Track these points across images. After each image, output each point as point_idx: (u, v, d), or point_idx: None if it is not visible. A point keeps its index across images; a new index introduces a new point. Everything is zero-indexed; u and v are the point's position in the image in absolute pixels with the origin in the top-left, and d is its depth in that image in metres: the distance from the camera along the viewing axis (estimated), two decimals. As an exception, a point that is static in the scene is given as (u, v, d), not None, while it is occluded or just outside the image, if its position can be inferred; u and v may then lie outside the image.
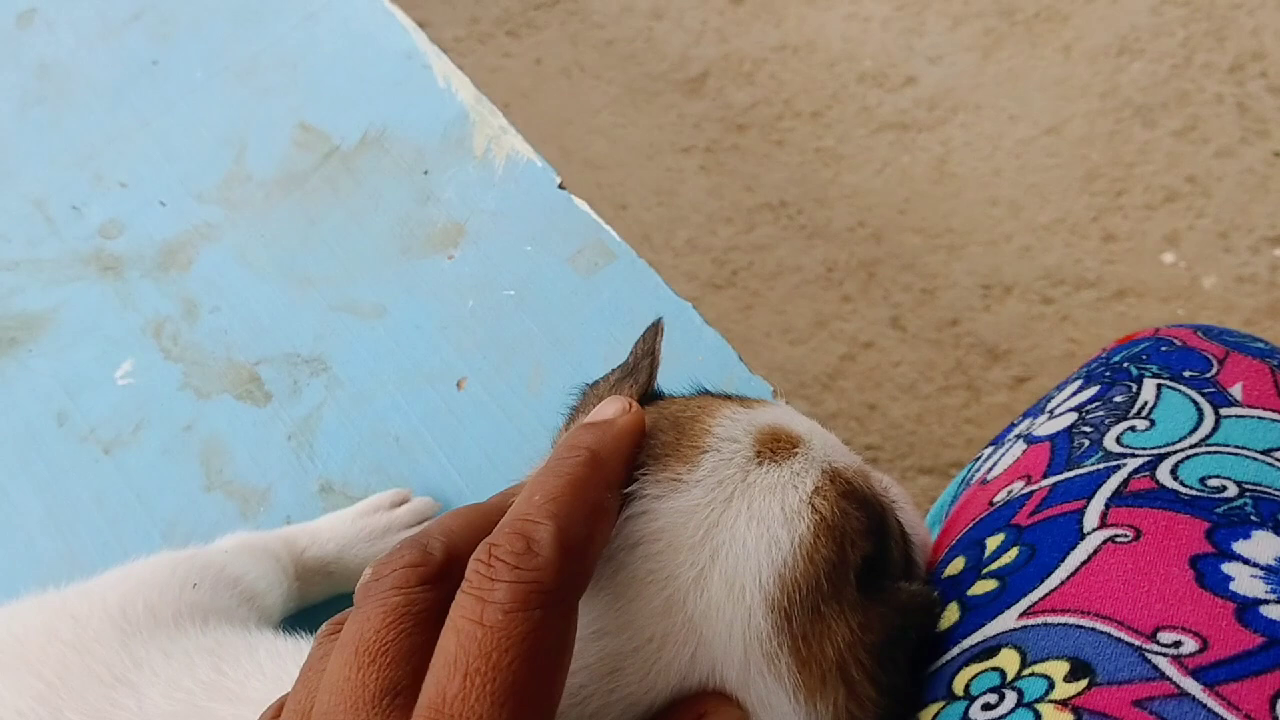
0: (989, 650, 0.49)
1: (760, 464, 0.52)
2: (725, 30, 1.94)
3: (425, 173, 0.97)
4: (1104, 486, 0.52)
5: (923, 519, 0.66)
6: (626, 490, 0.50)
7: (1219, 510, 0.49)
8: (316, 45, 1.06)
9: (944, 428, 1.55)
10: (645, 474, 0.51)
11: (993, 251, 1.67)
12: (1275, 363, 0.56)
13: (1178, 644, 0.44)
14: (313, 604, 0.80)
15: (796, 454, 0.53)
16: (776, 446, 0.53)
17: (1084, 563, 0.49)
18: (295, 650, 0.63)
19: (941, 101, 1.80)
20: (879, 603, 0.51)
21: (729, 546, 0.49)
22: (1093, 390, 0.60)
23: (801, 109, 1.84)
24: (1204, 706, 0.42)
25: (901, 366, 1.60)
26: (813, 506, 0.51)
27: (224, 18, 1.09)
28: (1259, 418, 0.54)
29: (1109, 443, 0.55)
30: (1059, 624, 0.48)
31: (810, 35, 1.90)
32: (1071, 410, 0.60)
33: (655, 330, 0.65)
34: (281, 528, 0.81)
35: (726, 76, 1.90)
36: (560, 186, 0.95)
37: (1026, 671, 0.47)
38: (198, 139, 1.02)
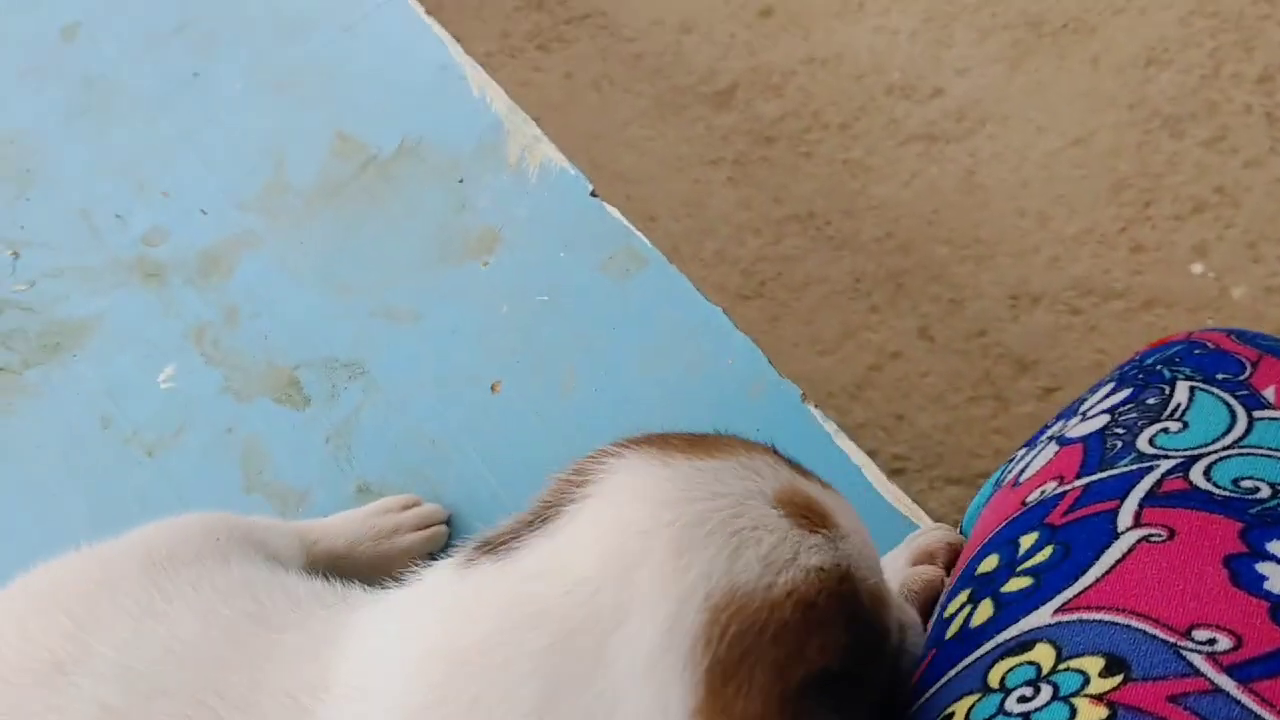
0: (1024, 645, 0.50)
1: (784, 515, 0.52)
2: (753, 43, 1.95)
3: (460, 181, 0.99)
4: (1137, 487, 0.53)
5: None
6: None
7: (1252, 511, 0.49)
8: (354, 57, 1.08)
9: (972, 438, 1.55)
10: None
11: (1021, 262, 1.67)
12: (1308, 365, 0.57)
13: (1212, 641, 0.45)
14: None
15: (820, 532, 0.52)
16: (808, 513, 0.53)
17: (1118, 561, 0.50)
18: (327, 589, 0.66)
19: (969, 113, 1.80)
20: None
21: (705, 550, 0.50)
22: (1125, 392, 0.61)
23: (829, 121, 1.85)
24: (1239, 703, 0.42)
25: (929, 377, 1.60)
26: (792, 588, 0.50)
27: (264, 30, 1.11)
28: (1292, 420, 0.54)
29: (1142, 444, 0.56)
30: (1094, 620, 0.48)
31: (838, 48, 1.90)
32: (1104, 412, 0.60)
33: None
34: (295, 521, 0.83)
35: (755, 89, 1.90)
36: (592, 194, 0.97)
37: (1062, 666, 0.48)
38: (238, 149, 1.04)
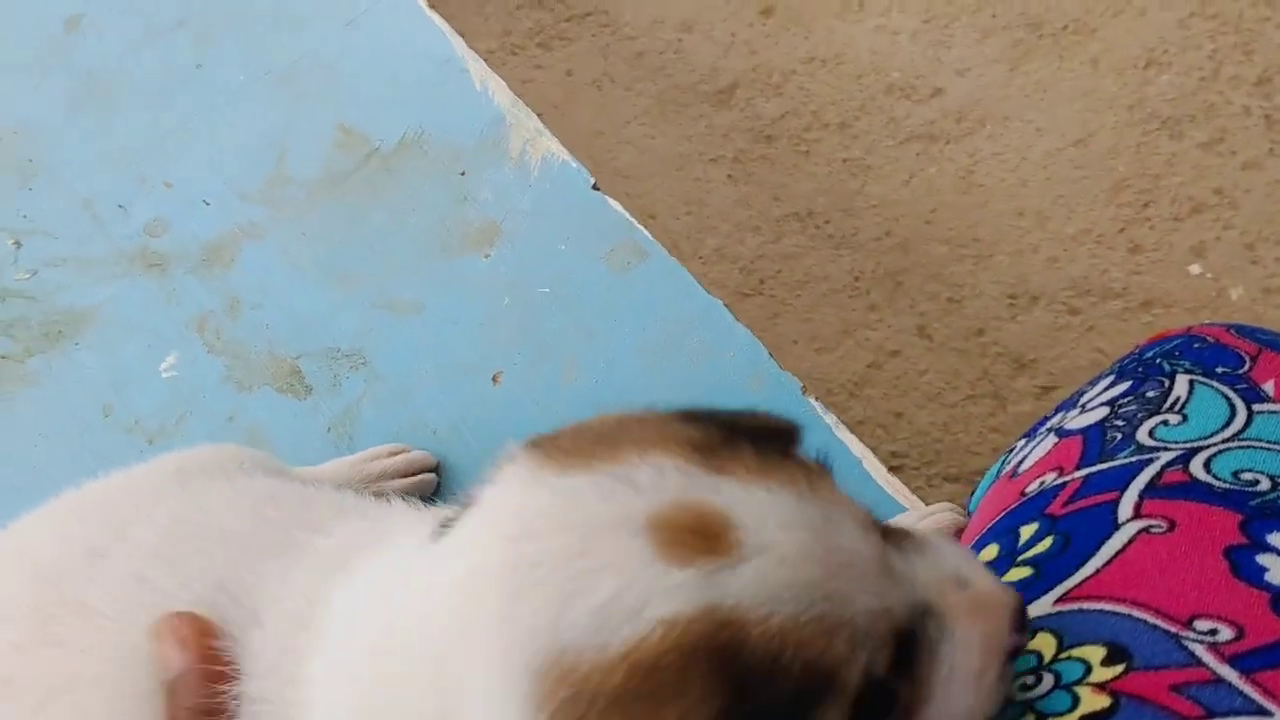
0: (1025, 634, 0.50)
1: (649, 545, 0.43)
2: (754, 42, 1.95)
3: (462, 174, 0.99)
4: (1138, 479, 0.53)
5: None
6: None
7: (1252, 503, 0.50)
8: (356, 50, 1.08)
9: (970, 436, 1.55)
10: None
11: (1019, 262, 1.68)
12: (1308, 359, 0.57)
13: (1214, 632, 0.45)
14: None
15: (694, 565, 0.43)
16: (691, 537, 0.43)
17: (1119, 552, 0.50)
18: (371, 503, 0.67)
19: (969, 113, 1.80)
20: None
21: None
22: (1125, 385, 0.61)
23: (829, 120, 1.85)
24: (1240, 693, 0.42)
25: (928, 375, 1.60)
26: (629, 648, 0.42)
27: (266, 24, 1.11)
28: (1291, 413, 0.54)
29: (1142, 436, 0.56)
30: (1095, 610, 0.49)
31: (839, 47, 1.90)
32: (1104, 405, 0.61)
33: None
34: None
35: (755, 88, 1.91)
36: (594, 187, 0.97)
37: (1064, 655, 0.48)
38: (241, 141, 1.04)
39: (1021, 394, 1.56)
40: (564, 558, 0.43)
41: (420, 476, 0.86)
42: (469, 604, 0.45)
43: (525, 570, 0.43)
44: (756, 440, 0.49)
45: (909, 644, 0.47)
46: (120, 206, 1.02)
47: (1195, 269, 1.61)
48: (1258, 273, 1.58)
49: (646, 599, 0.42)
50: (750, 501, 0.45)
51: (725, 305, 0.90)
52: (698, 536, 0.43)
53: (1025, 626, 0.48)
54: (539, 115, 1.03)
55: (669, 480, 0.45)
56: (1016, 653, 0.48)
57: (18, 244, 1.01)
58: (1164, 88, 1.75)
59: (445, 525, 0.51)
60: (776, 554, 0.43)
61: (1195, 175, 1.67)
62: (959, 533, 0.71)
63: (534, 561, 0.43)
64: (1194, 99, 1.74)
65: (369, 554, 0.58)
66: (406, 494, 0.83)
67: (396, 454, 0.87)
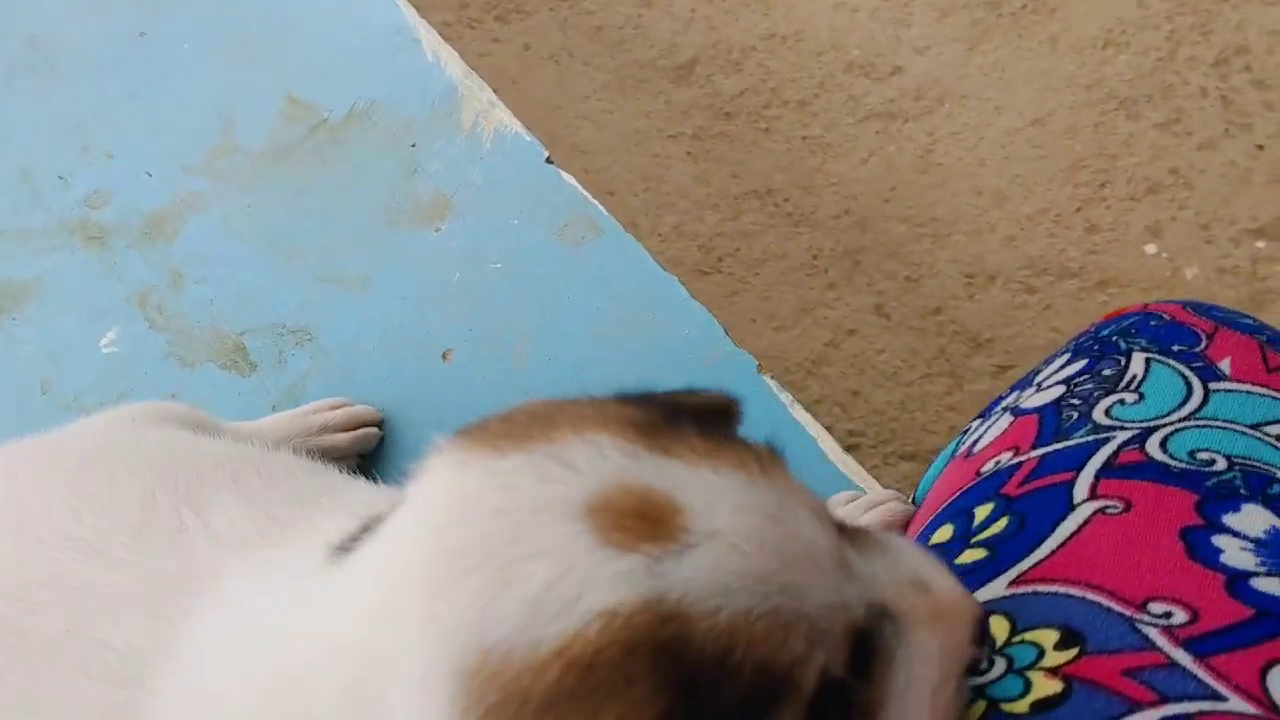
0: (978, 617, 0.50)
1: (588, 530, 0.39)
2: (714, 18, 1.93)
3: (413, 146, 0.97)
4: (1094, 458, 0.53)
5: None
6: None
7: (1209, 483, 0.49)
8: (305, 18, 1.06)
9: (926, 414, 1.55)
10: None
11: (977, 241, 1.68)
12: (1263, 338, 0.57)
13: (1168, 615, 0.45)
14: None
15: (637, 551, 0.39)
16: (634, 521, 0.40)
17: (1074, 533, 0.50)
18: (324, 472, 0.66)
19: (928, 91, 1.80)
20: None
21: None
22: (1081, 363, 0.60)
23: (789, 97, 1.84)
24: (1194, 677, 0.42)
25: (885, 354, 1.60)
26: (564, 643, 0.38)
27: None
28: (1247, 392, 0.54)
29: (1098, 415, 0.55)
30: (1049, 593, 0.48)
31: (798, 24, 1.89)
32: (1060, 383, 0.60)
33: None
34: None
35: (715, 64, 1.89)
36: (547, 161, 0.95)
37: (1016, 639, 0.47)
38: (185, 110, 1.02)
39: (978, 373, 1.57)
40: (493, 545, 0.39)
41: (362, 431, 0.85)
42: (388, 609, 0.41)
43: (450, 561, 0.40)
44: (700, 420, 0.46)
45: (866, 646, 0.43)
46: (60, 177, 0.99)
47: (1151, 249, 1.61)
48: (1212, 252, 1.59)
49: (584, 589, 0.38)
50: (698, 484, 0.41)
51: (681, 282, 0.88)
52: (641, 521, 0.40)
53: (985, 639, 0.46)
54: (495, 89, 1.01)
55: (610, 461, 0.42)
56: (974, 666, 0.46)
57: (-48, 215, 0.98)
58: (1122, 68, 1.76)
59: (345, 546, 0.48)
60: (726, 541, 0.40)
61: (1152, 155, 1.68)
62: (906, 524, 0.68)
63: (460, 551, 0.40)
64: (1151, 79, 1.74)
65: (252, 565, 0.55)
66: (347, 448, 0.82)
67: (338, 408, 0.85)
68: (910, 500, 0.76)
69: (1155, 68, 1.75)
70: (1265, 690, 0.41)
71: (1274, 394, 0.53)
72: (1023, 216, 1.67)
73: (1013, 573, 0.50)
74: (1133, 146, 1.69)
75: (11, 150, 1.02)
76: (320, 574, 0.48)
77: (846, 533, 0.46)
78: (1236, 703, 0.41)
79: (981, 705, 0.46)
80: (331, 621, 0.45)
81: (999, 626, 0.48)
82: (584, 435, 0.43)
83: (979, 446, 0.62)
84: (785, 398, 0.83)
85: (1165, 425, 0.53)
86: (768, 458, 0.45)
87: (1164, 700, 0.41)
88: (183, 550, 0.57)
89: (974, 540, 0.54)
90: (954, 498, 0.59)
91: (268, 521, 0.58)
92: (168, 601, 0.54)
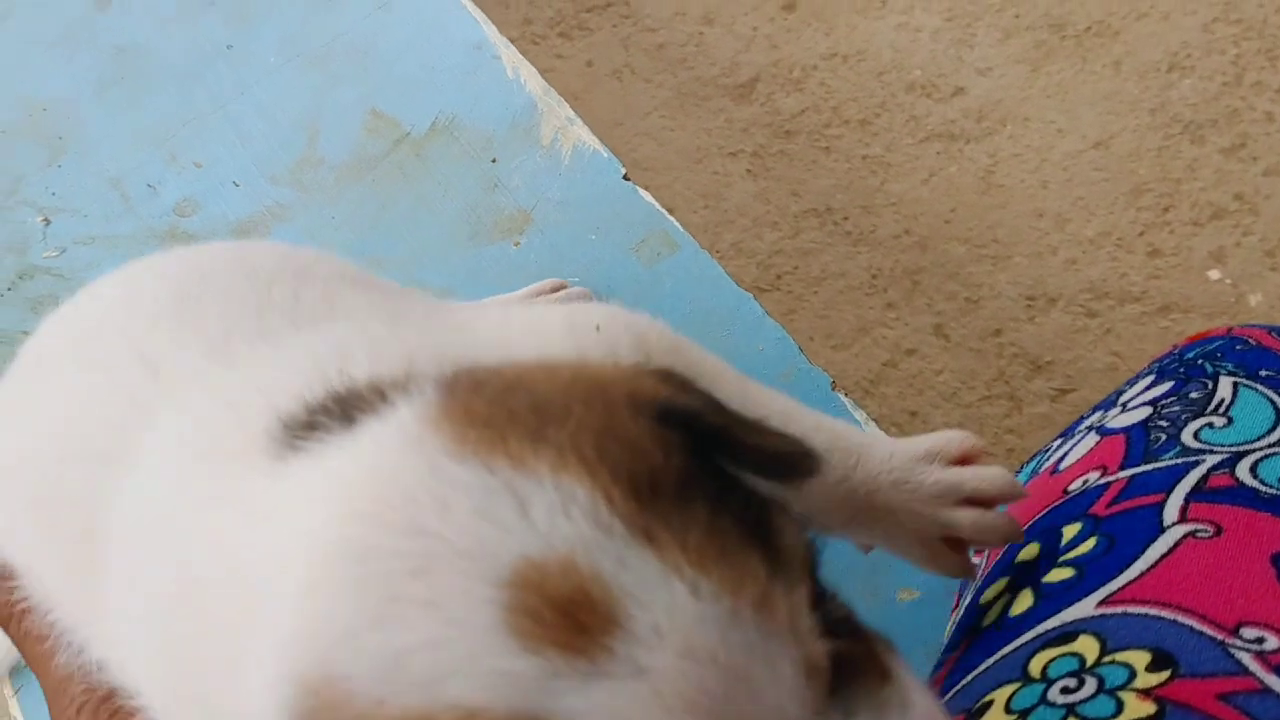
0: (1066, 636, 0.50)
1: (503, 602, 0.33)
2: (775, 37, 1.95)
3: (493, 161, 0.99)
4: (1183, 481, 0.53)
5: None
6: None
7: (1300, 510, 0.50)
8: (388, 34, 1.08)
9: (985, 437, 1.55)
10: None
11: (1038, 263, 1.68)
12: (1350, 364, 0.57)
13: (1261, 640, 0.45)
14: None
15: (546, 653, 0.32)
16: (552, 617, 0.32)
17: (1164, 555, 0.50)
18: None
19: (990, 113, 1.80)
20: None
21: None
22: (1167, 385, 0.61)
23: (850, 117, 1.85)
24: None
25: (944, 375, 1.60)
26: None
27: (298, 4, 1.11)
28: (1336, 418, 0.54)
29: (1186, 438, 0.56)
30: (1139, 614, 0.48)
31: (860, 44, 1.90)
32: (1146, 404, 0.61)
33: None
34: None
35: (776, 83, 1.90)
36: (625, 178, 0.97)
37: (1107, 659, 0.48)
38: (271, 123, 1.04)
39: (1038, 396, 1.56)
40: (391, 571, 0.34)
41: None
42: (276, 566, 0.37)
43: (342, 562, 0.35)
44: (760, 467, 0.39)
45: None
46: (150, 186, 1.02)
47: (1214, 274, 1.60)
48: (1277, 279, 1.58)
49: (456, 670, 0.32)
50: (659, 596, 0.33)
51: (755, 299, 0.90)
52: (565, 619, 0.32)
53: None
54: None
55: (573, 526, 0.33)
56: None
57: (47, 221, 1.01)
58: (1186, 92, 1.75)
59: (309, 426, 0.41)
60: (652, 683, 0.32)
61: (1216, 180, 1.67)
62: (965, 460, 0.59)
63: (357, 556, 0.34)
64: (1216, 104, 1.73)
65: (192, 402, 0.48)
66: None
67: (558, 289, 0.89)
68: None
69: (1221, 92, 1.74)
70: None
71: (1365, 420, 0.53)
72: (1084, 240, 1.67)
73: (1102, 593, 0.51)
74: (1197, 171, 1.69)
75: (103, 159, 1.04)
76: (244, 455, 0.43)
77: (856, 683, 0.37)
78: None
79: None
80: (235, 537, 0.41)
81: (1088, 646, 0.49)
82: (562, 475, 0.35)
83: (1064, 464, 0.62)
84: (860, 415, 0.84)
85: (1255, 450, 0.53)
86: (785, 582, 0.35)
87: (1259, 725, 0.42)
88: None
89: (1061, 559, 0.54)
90: (1040, 515, 0.59)
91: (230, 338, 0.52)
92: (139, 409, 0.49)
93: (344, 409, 0.42)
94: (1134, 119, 1.74)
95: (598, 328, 0.52)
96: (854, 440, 0.57)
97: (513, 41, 1.93)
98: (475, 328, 0.56)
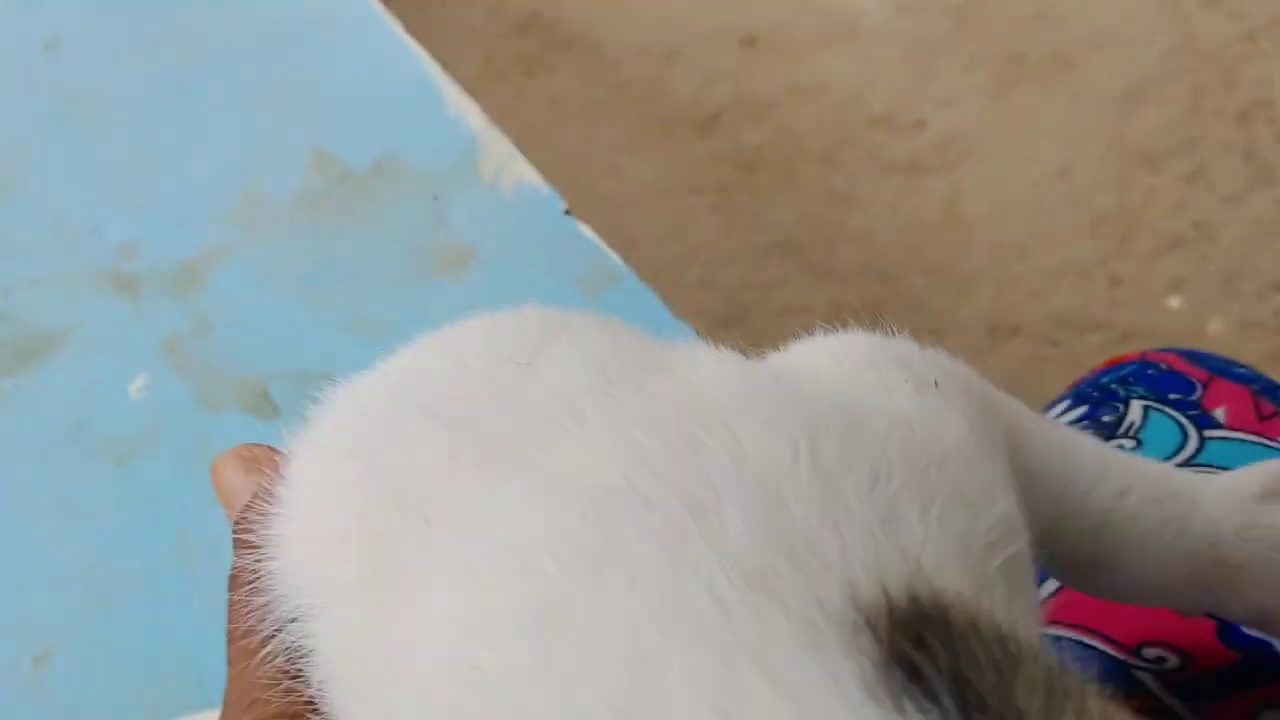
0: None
1: None
2: (737, 72, 1.97)
3: (435, 198, 0.99)
4: (1092, 502, 0.53)
5: None
6: None
7: (1202, 529, 0.50)
8: (333, 73, 1.08)
9: (948, 466, 1.55)
10: None
11: (1000, 294, 1.69)
12: (1256, 387, 0.58)
13: (1161, 660, 0.45)
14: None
15: None
16: None
17: (1070, 576, 0.50)
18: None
19: (951, 145, 1.82)
20: None
21: None
22: (1081, 410, 0.61)
23: (812, 150, 1.86)
24: None
25: (907, 405, 1.61)
26: None
27: (247, 43, 1.12)
28: (1240, 440, 0.55)
29: (1097, 461, 0.56)
30: (1049, 635, 0.49)
31: (821, 78, 1.92)
32: (1061, 429, 0.61)
33: None
34: None
35: (738, 117, 1.92)
36: (566, 212, 0.97)
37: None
38: (215, 162, 1.04)
39: (1000, 425, 1.57)
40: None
41: None
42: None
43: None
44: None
45: None
46: (94, 225, 1.02)
47: (1174, 302, 1.62)
48: (1236, 307, 1.59)
49: None
50: None
51: (696, 330, 0.90)
52: None
53: None
54: (521, 142, 1.03)
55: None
56: None
57: (-9, 263, 1.01)
58: (1145, 121, 1.77)
59: None
60: None
61: (1175, 209, 1.69)
62: None
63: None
64: (1175, 133, 1.75)
65: None
66: None
67: None
68: None
69: (1178, 121, 1.76)
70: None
71: (1266, 442, 0.54)
72: (1047, 270, 1.68)
73: (1010, 616, 0.51)
74: (1156, 200, 1.70)
75: (48, 199, 1.04)
76: None
77: None
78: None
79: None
80: None
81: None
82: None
83: (981, 492, 0.62)
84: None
85: (1161, 472, 0.54)
86: None
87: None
88: None
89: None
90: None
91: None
92: None
93: None
94: (1093, 149, 1.76)
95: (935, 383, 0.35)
96: (1179, 482, 0.44)
97: (475, 79, 1.95)
98: None
